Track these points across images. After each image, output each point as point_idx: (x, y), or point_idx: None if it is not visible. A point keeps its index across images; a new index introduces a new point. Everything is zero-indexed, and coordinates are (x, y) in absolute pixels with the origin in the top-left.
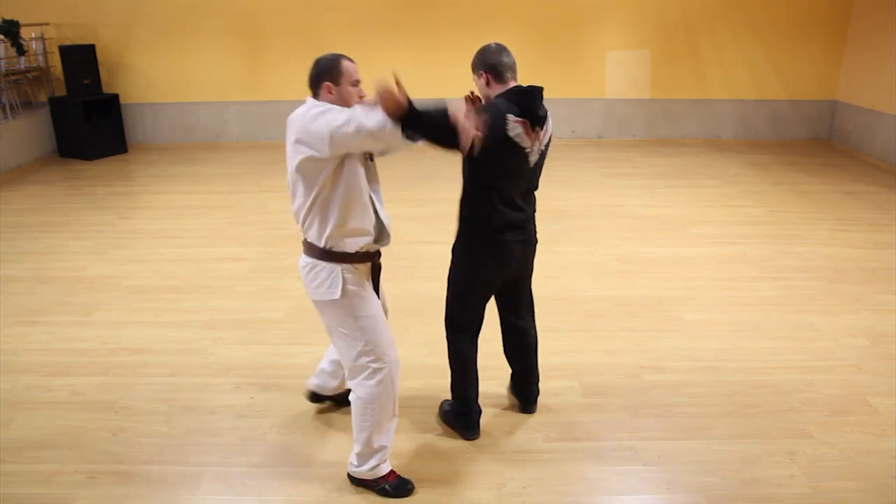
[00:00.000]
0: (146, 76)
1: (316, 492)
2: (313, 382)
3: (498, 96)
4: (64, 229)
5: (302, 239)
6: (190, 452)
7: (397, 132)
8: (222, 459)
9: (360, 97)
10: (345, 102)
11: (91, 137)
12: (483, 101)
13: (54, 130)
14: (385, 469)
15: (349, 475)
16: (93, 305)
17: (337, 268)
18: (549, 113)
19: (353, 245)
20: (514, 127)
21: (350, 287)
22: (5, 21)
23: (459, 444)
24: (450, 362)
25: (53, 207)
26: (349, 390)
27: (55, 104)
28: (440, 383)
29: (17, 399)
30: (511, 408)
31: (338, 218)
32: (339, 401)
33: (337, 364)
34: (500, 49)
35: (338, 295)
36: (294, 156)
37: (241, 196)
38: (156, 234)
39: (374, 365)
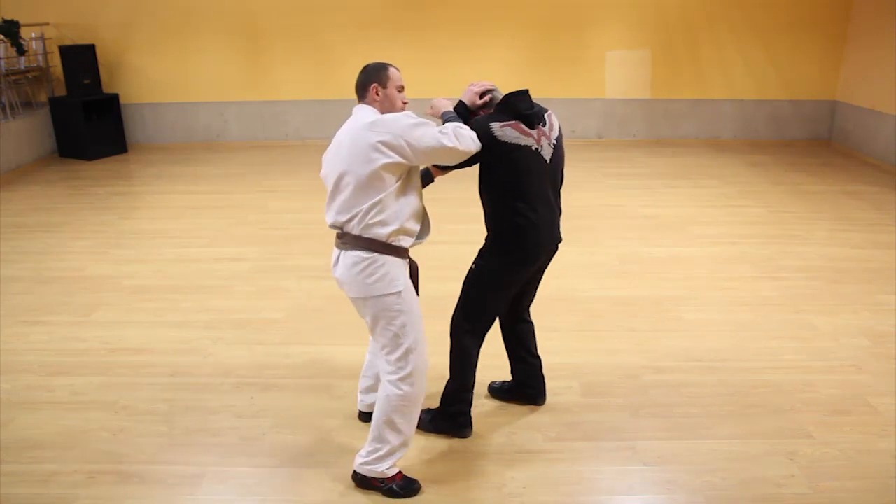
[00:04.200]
0: (146, 76)
1: (316, 492)
2: (365, 402)
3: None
4: (64, 229)
5: (339, 235)
6: (190, 452)
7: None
8: (222, 459)
9: (404, 102)
10: (390, 104)
11: (91, 137)
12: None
13: (54, 130)
14: (394, 470)
15: (354, 472)
16: (93, 305)
17: (398, 261)
18: (549, 111)
19: (408, 242)
20: (504, 132)
21: (406, 281)
22: (5, 21)
23: (459, 444)
24: (454, 362)
25: (53, 207)
26: None
27: (55, 104)
28: (441, 384)
29: (17, 399)
30: (511, 408)
31: (406, 215)
32: None
33: (376, 377)
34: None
35: (401, 287)
36: (369, 160)
37: (241, 196)
38: (156, 234)
39: (413, 366)
